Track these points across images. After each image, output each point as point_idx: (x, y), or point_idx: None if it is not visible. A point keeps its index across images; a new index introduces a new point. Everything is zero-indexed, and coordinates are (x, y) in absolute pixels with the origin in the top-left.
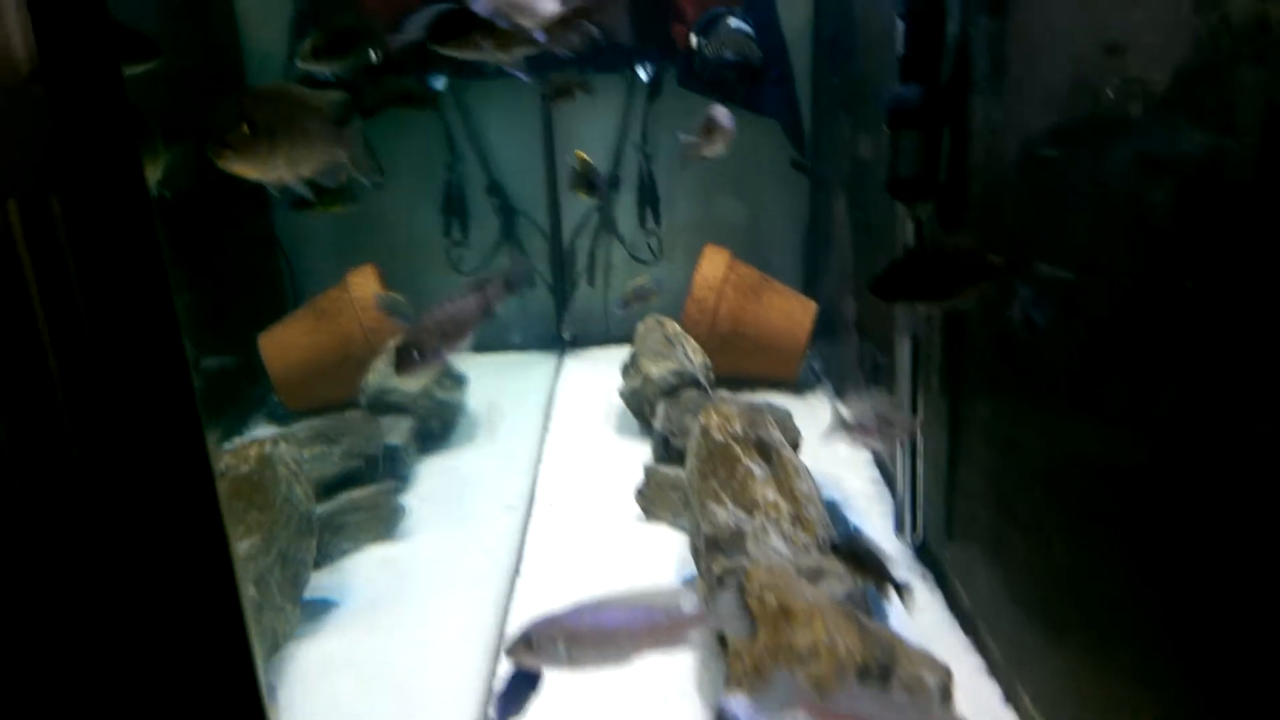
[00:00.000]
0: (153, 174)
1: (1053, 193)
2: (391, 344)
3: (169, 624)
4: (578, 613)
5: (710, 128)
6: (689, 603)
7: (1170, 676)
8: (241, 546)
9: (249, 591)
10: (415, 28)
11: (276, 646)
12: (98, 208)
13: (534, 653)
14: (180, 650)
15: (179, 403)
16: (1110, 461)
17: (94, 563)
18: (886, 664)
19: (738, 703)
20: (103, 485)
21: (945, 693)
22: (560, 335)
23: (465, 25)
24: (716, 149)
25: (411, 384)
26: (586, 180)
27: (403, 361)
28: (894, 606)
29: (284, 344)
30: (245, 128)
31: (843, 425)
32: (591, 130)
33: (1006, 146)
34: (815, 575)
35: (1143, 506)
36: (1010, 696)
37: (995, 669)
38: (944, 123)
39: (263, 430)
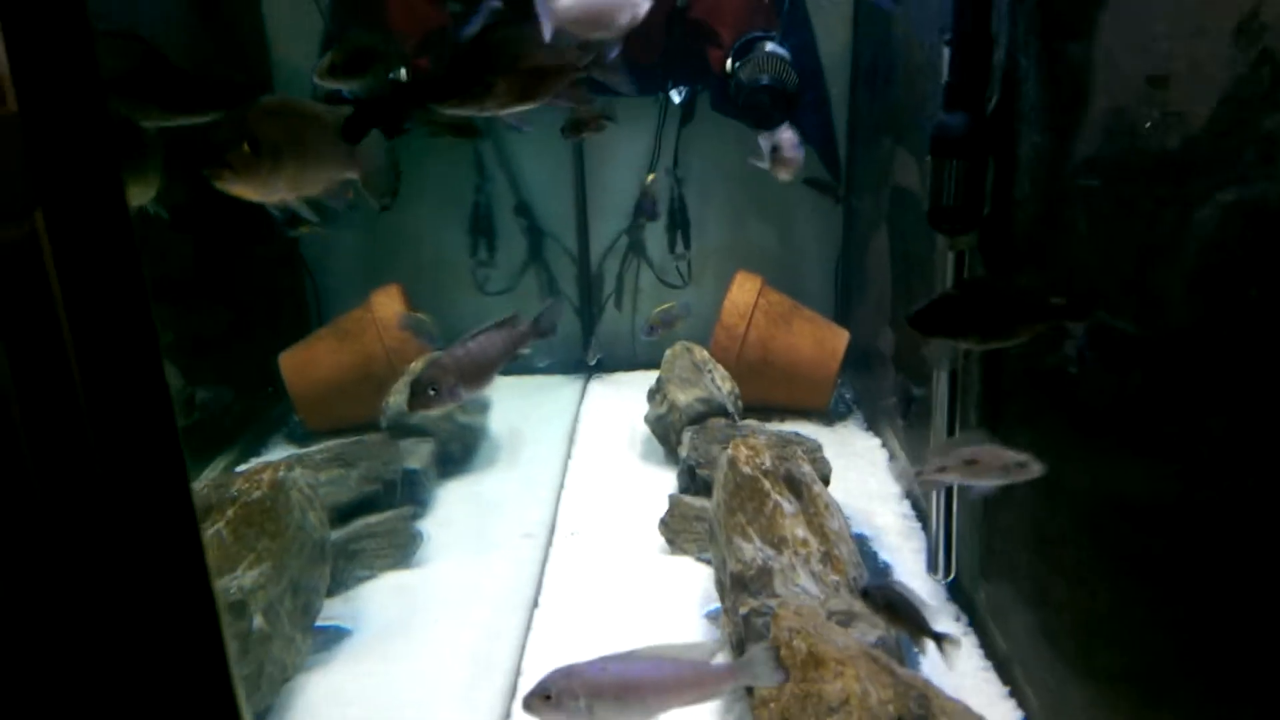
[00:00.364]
0: (146, 192)
1: (1101, 225)
2: (414, 365)
3: (138, 664)
4: (600, 665)
5: (776, 158)
6: (716, 656)
7: None
8: (250, 575)
9: (256, 622)
10: (477, 26)
11: (285, 678)
12: (77, 229)
13: (553, 707)
14: (154, 690)
15: (157, 434)
16: (1161, 504)
17: (98, 584)
18: (922, 716)
19: None
20: (120, 500)
21: None
22: (586, 361)
23: (467, 81)
24: (783, 176)
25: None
26: (639, 204)
27: (416, 399)
28: (927, 651)
29: (305, 363)
30: (247, 146)
31: (941, 468)
32: (623, 153)
33: (1054, 177)
34: (846, 618)
35: (1197, 554)
36: None
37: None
38: (989, 152)
39: (281, 451)
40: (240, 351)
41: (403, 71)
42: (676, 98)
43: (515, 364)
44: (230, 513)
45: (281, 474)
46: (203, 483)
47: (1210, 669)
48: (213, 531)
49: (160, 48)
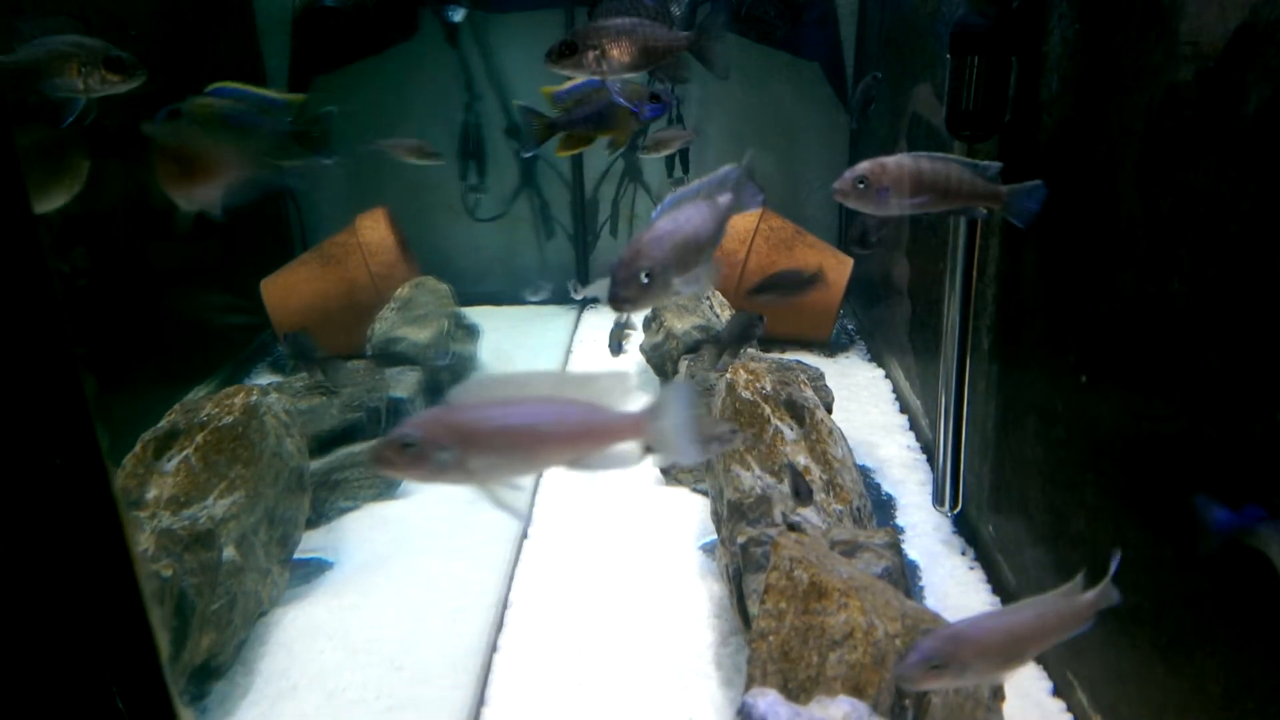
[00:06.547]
0: (66, 191)
1: (1136, 133)
2: (400, 292)
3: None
4: (478, 408)
5: None
6: (630, 394)
7: (1262, 690)
8: (222, 504)
9: (228, 553)
10: None
11: (260, 612)
12: None
13: (412, 457)
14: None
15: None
16: (1195, 440)
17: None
18: None
19: (765, 701)
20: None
21: (996, 688)
22: (575, 295)
23: None
24: None
25: (422, 334)
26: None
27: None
28: (931, 586)
29: (288, 290)
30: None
31: None
32: None
33: (1089, 74)
34: (850, 548)
35: (1236, 493)
36: (1061, 690)
37: (1043, 657)
38: (1015, 48)
39: (264, 381)
40: (224, 279)
41: None
42: (675, 10)
43: (507, 294)
44: (199, 438)
45: (255, 398)
46: (171, 409)
47: (1250, 620)
48: (180, 458)
49: None
